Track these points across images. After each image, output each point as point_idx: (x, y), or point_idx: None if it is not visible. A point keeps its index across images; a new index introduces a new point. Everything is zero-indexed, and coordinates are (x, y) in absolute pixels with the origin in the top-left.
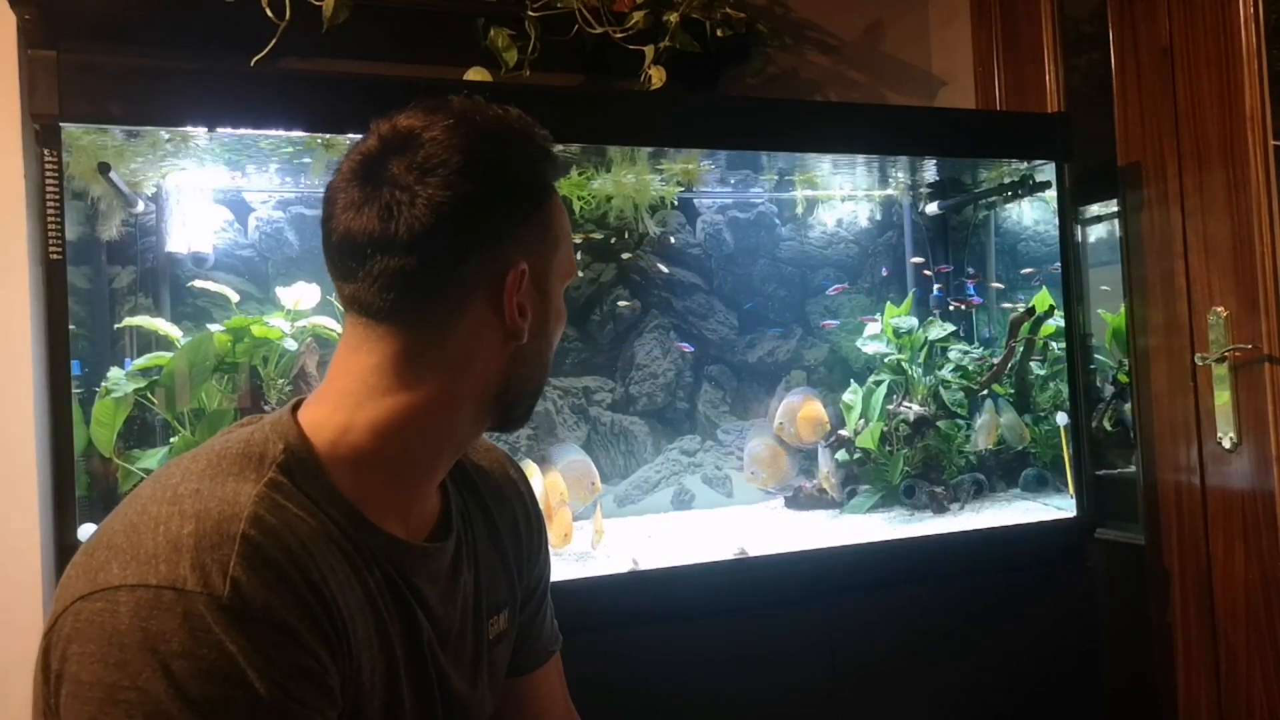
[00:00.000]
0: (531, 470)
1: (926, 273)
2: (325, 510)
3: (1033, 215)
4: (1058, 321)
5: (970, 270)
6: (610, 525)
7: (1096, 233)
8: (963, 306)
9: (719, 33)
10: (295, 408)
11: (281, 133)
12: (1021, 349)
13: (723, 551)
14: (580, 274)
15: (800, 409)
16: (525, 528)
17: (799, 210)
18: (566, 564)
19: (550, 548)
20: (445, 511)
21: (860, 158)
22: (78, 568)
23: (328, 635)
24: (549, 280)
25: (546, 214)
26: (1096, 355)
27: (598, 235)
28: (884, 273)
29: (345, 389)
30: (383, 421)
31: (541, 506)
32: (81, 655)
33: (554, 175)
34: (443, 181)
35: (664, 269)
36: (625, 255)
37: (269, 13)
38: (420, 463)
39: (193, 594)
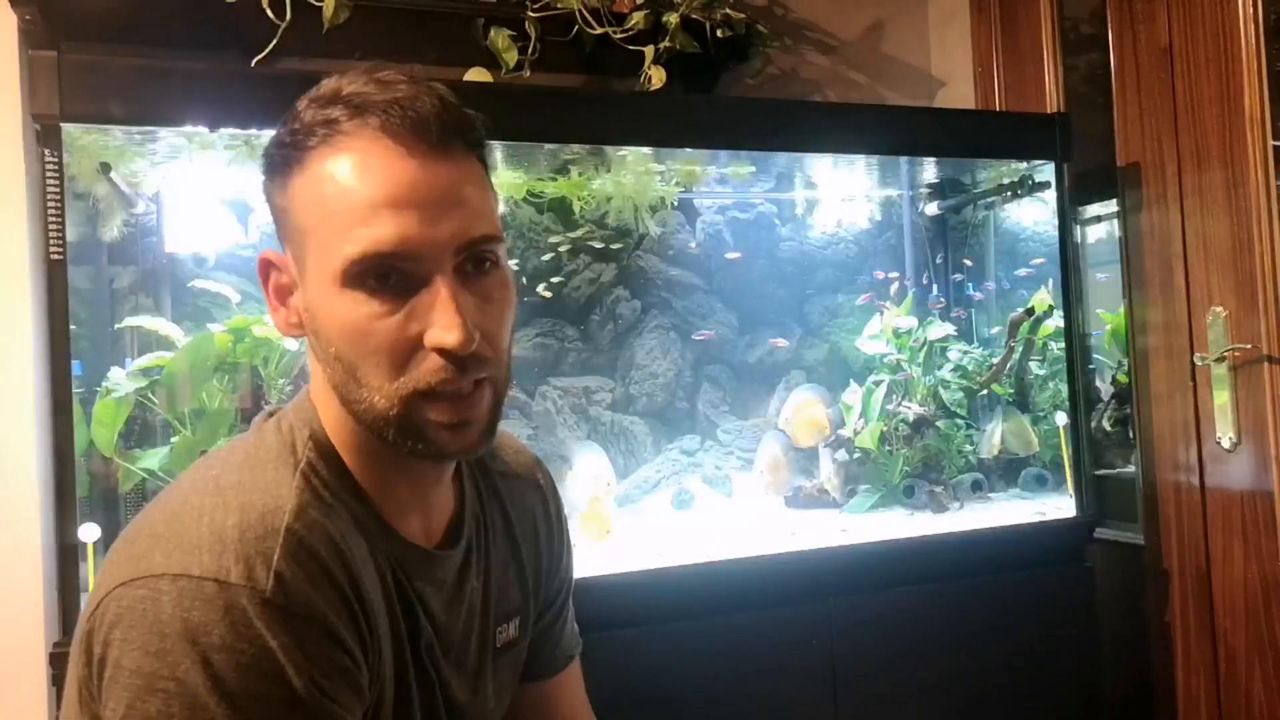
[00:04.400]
0: None
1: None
2: (349, 503)
3: (1032, 215)
4: (1057, 321)
5: (960, 274)
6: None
7: (1096, 233)
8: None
9: (719, 33)
10: (310, 393)
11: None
12: (1021, 349)
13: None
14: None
15: (802, 410)
16: (546, 537)
17: (799, 210)
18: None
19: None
20: (458, 514)
21: (859, 158)
22: (118, 554)
23: (361, 632)
24: (305, 273)
25: (292, 190)
26: (1096, 355)
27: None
28: (877, 275)
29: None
30: (334, 415)
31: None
32: (124, 641)
33: (313, 142)
34: None
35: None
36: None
37: (269, 13)
38: (387, 465)
39: (236, 587)
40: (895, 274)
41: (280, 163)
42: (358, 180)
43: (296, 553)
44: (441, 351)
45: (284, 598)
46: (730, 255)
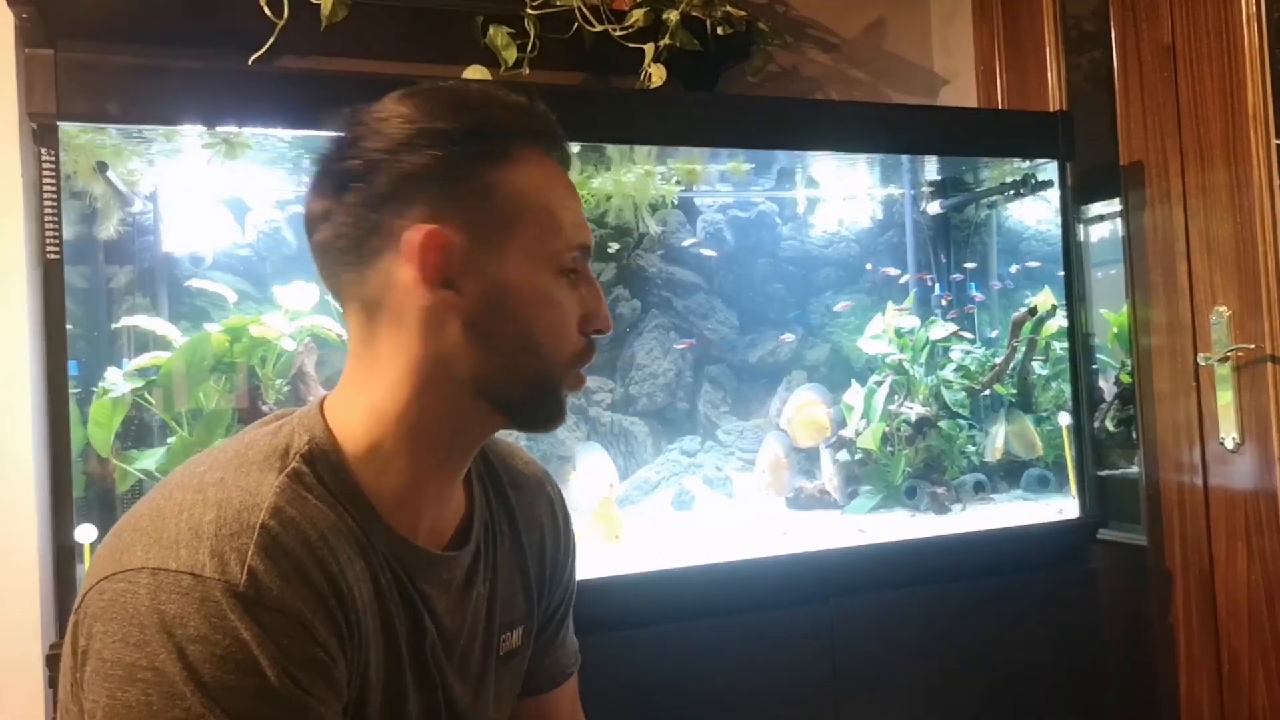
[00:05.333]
0: None
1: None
2: (343, 504)
3: (1035, 214)
4: (1060, 321)
5: (957, 275)
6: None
7: (1099, 232)
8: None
9: (719, 31)
10: (324, 401)
11: (280, 132)
12: (1023, 349)
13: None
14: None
15: (802, 410)
16: (553, 549)
17: (800, 209)
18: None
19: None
20: (468, 519)
21: (862, 156)
22: (106, 548)
23: (339, 628)
24: (503, 253)
25: (492, 179)
26: (1099, 355)
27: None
28: (891, 273)
29: (345, 382)
30: (370, 412)
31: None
32: (105, 634)
33: (518, 141)
34: (356, 150)
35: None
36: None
37: (267, 11)
38: (418, 459)
39: (210, 580)
40: (926, 275)
41: (479, 136)
42: (561, 182)
43: (270, 548)
44: (598, 334)
45: (256, 591)
46: (706, 252)
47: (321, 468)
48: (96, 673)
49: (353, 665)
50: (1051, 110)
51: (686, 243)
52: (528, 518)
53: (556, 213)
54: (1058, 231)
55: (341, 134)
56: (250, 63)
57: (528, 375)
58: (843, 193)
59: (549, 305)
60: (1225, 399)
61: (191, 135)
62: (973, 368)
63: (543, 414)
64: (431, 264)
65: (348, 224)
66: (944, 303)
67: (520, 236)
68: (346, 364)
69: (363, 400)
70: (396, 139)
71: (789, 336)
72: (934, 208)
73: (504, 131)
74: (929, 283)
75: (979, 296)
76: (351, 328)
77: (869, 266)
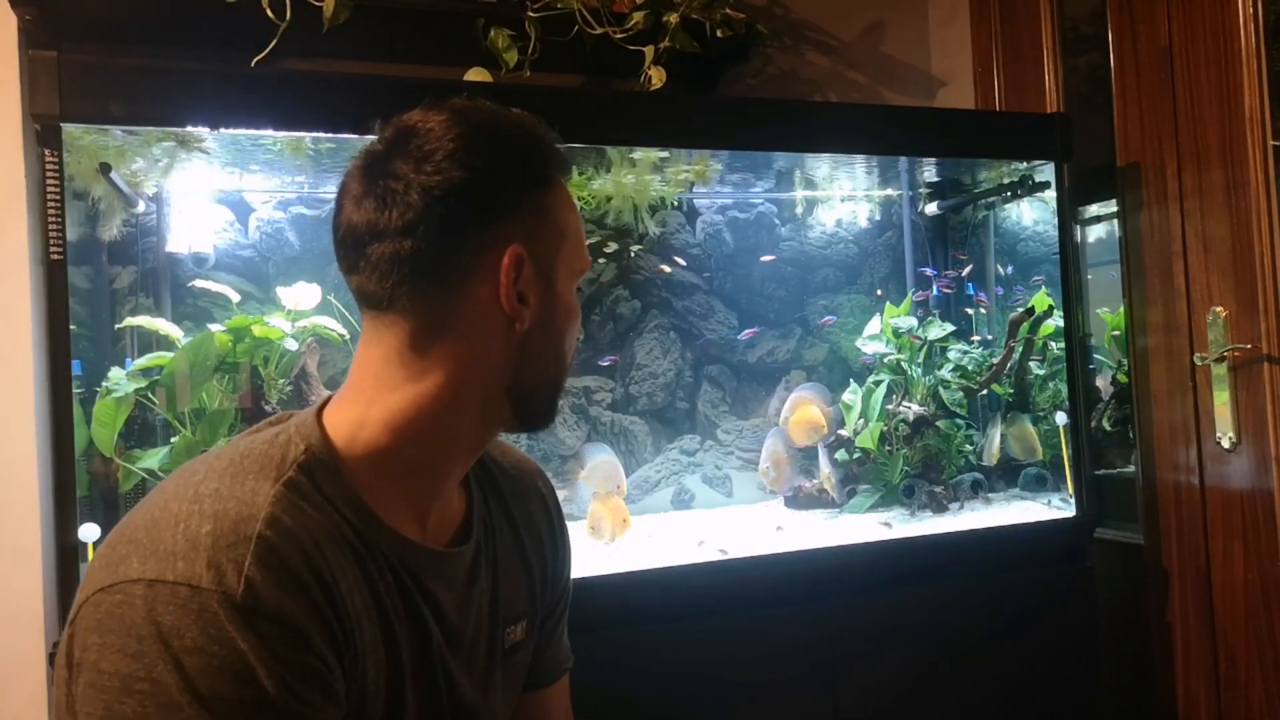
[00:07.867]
0: None
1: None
2: (340, 511)
3: (1032, 215)
4: (1057, 321)
5: (951, 274)
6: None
7: (1096, 233)
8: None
9: (719, 33)
10: (322, 407)
11: (282, 133)
12: (1020, 349)
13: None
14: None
15: (798, 410)
16: (550, 545)
17: (798, 210)
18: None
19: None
20: (467, 517)
21: (859, 158)
22: (100, 559)
23: (336, 638)
24: (554, 271)
25: (547, 204)
26: (1096, 355)
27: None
28: (925, 272)
29: (360, 385)
30: (394, 416)
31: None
32: (102, 646)
33: (556, 168)
34: (434, 168)
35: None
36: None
37: (269, 13)
38: (435, 459)
39: (207, 591)
40: (955, 270)
41: (539, 164)
42: (575, 206)
43: (267, 558)
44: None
45: (254, 601)
46: (664, 269)
47: (319, 476)
48: (91, 685)
49: (350, 674)
50: (1049, 112)
51: (661, 249)
52: (524, 513)
53: (580, 233)
54: (1055, 232)
55: (402, 149)
56: (253, 64)
57: (553, 379)
58: (841, 194)
59: (574, 317)
60: (1222, 399)
61: (170, 135)
62: (970, 368)
63: (548, 415)
64: (513, 281)
65: (428, 240)
66: (941, 288)
67: (564, 254)
68: (359, 371)
69: (386, 407)
70: (474, 162)
71: (830, 319)
72: (932, 209)
73: (550, 159)
74: (941, 286)
75: (980, 298)
76: (390, 336)
77: (926, 272)
